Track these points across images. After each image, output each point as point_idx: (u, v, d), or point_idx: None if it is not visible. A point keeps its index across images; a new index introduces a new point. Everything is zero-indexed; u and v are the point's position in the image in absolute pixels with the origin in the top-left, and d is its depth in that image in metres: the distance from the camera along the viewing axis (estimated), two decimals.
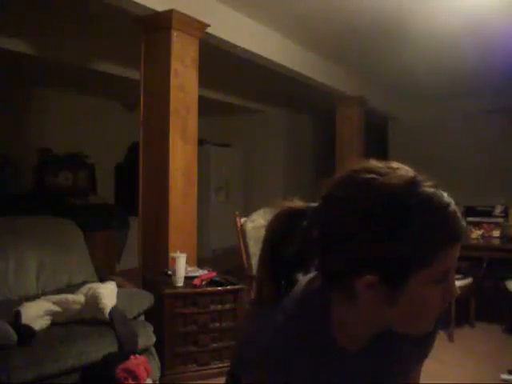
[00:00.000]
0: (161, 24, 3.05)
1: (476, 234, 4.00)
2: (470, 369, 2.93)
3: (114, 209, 5.77)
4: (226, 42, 3.58)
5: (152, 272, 3.02)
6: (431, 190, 0.75)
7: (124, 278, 2.97)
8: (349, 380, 0.81)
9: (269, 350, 0.77)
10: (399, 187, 0.71)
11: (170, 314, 2.66)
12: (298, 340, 0.78)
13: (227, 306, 2.80)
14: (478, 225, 4.14)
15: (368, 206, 0.69)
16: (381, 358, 0.83)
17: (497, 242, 3.90)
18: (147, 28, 3.12)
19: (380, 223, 0.68)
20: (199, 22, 3.17)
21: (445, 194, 0.75)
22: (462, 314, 3.60)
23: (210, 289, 2.77)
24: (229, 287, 2.80)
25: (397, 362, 0.86)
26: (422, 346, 0.90)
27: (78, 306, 2.38)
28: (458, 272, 3.53)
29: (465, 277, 3.62)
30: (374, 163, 0.75)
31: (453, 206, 0.73)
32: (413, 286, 0.69)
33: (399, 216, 0.68)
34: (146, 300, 2.63)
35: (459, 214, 0.73)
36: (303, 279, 0.83)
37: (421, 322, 0.76)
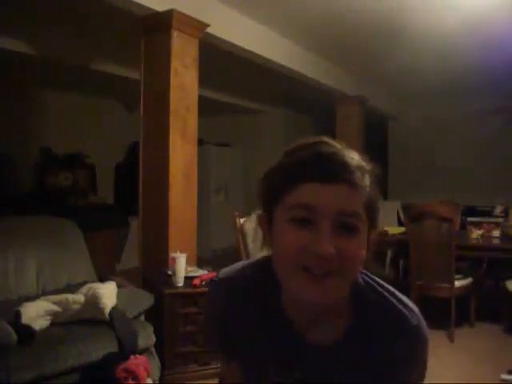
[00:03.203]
0: (161, 24, 3.05)
1: (476, 234, 4.00)
2: (469, 369, 2.93)
3: (113, 209, 5.77)
4: (226, 42, 3.58)
5: (152, 272, 3.02)
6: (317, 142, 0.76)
7: (124, 278, 2.97)
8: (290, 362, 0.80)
9: (209, 298, 0.87)
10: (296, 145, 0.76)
11: (170, 314, 2.66)
12: (239, 292, 0.83)
13: None
14: (477, 225, 4.14)
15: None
16: (342, 359, 0.79)
17: (497, 241, 3.90)
18: (147, 28, 3.12)
19: (266, 172, 0.76)
20: (199, 22, 3.17)
21: (327, 144, 0.75)
22: (462, 314, 3.60)
23: None
24: None
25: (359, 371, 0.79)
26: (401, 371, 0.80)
27: (77, 306, 2.38)
28: (457, 272, 3.54)
29: (465, 277, 3.63)
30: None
31: (320, 149, 0.72)
32: (275, 223, 0.72)
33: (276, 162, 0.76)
34: (145, 300, 2.63)
35: (325, 162, 0.70)
36: None
37: (279, 266, 0.72)
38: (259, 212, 0.78)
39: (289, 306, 0.79)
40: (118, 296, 2.52)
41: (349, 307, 0.79)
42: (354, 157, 0.74)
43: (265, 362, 0.83)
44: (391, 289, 0.82)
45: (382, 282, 0.83)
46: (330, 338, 0.78)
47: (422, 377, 0.83)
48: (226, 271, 0.89)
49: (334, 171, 0.69)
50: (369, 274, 0.82)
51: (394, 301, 0.80)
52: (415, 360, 0.80)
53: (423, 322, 0.80)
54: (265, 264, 0.81)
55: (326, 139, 0.76)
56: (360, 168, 0.72)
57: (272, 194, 0.73)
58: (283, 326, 0.79)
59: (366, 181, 0.72)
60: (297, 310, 0.79)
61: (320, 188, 0.68)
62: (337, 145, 0.75)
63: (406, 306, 0.80)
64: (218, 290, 0.87)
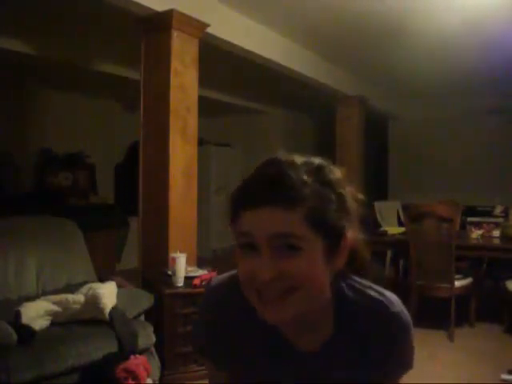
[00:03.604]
0: (161, 24, 3.05)
1: (476, 234, 4.00)
2: (469, 369, 2.93)
3: (113, 209, 5.77)
4: (226, 42, 3.58)
5: (152, 272, 3.02)
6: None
7: (124, 278, 2.97)
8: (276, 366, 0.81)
9: (201, 306, 0.89)
10: None
11: (170, 314, 2.66)
12: (221, 302, 0.85)
13: None
14: (478, 225, 4.14)
15: None
16: (325, 362, 0.80)
17: (497, 241, 3.89)
18: (147, 28, 3.12)
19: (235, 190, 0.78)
20: (199, 22, 3.17)
21: (274, 164, 0.73)
22: (462, 314, 3.60)
23: None
24: None
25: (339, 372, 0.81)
26: (380, 371, 0.82)
27: (77, 306, 2.38)
28: (458, 272, 3.53)
29: (465, 277, 3.63)
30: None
31: (258, 173, 0.73)
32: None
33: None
34: (146, 300, 2.63)
35: (258, 183, 0.71)
36: None
37: (243, 289, 0.74)
38: None
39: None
40: (118, 296, 2.52)
41: (331, 311, 0.80)
42: (293, 172, 0.71)
43: (254, 370, 0.83)
44: (368, 283, 0.84)
45: (357, 278, 0.84)
46: (317, 342, 0.80)
47: (411, 363, 0.86)
48: (218, 278, 0.90)
49: (266, 195, 0.69)
50: (344, 273, 0.81)
51: (373, 293, 0.82)
52: (402, 347, 0.83)
53: (404, 309, 0.83)
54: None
55: (275, 157, 0.75)
56: (299, 182, 0.70)
57: (230, 221, 0.76)
58: (270, 333, 0.80)
59: (307, 194, 0.69)
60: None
61: (254, 214, 0.69)
62: (284, 161, 0.73)
63: (384, 296, 0.82)
64: (209, 298, 0.88)
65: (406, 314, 0.83)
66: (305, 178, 0.70)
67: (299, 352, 0.80)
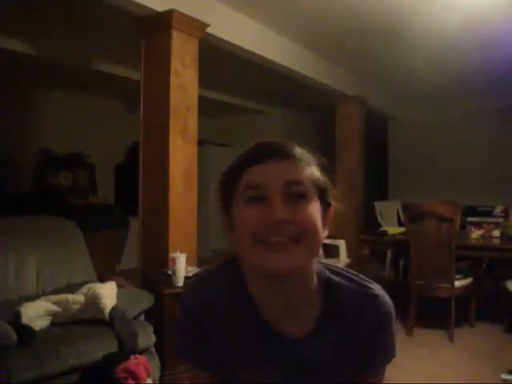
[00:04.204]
0: (161, 24, 3.05)
1: (476, 234, 4.00)
2: (469, 369, 2.93)
3: (113, 209, 5.77)
4: (226, 42, 3.58)
5: (152, 272, 3.01)
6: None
7: (124, 278, 2.97)
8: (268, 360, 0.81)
9: (182, 306, 0.88)
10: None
11: (170, 314, 2.65)
12: (212, 295, 0.84)
13: None
14: (478, 225, 4.14)
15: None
16: (315, 348, 0.81)
17: (497, 241, 3.89)
18: (147, 28, 3.12)
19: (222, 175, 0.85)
20: (199, 22, 3.17)
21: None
22: (462, 314, 3.60)
23: None
24: None
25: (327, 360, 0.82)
26: (366, 353, 0.83)
27: (77, 306, 2.38)
28: (458, 272, 3.54)
29: (465, 277, 3.63)
30: None
31: (257, 144, 0.81)
32: (235, 212, 0.78)
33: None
34: (145, 300, 2.63)
35: (263, 148, 0.79)
36: None
37: (240, 244, 0.76)
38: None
39: (259, 299, 0.81)
40: (118, 296, 2.52)
41: (317, 295, 0.82)
42: (290, 142, 0.81)
43: (241, 363, 0.83)
44: (347, 269, 0.88)
45: (334, 265, 0.88)
46: (304, 328, 0.81)
47: (394, 351, 0.86)
48: (199, 273, 0.93)
49: (274, 151, 0.77)
50: (323, 261, 0.86)
51: (357, 278, 0.85)
52: (387, 333, 0.84)
53: (385, 293, 0.86)
54: (233, 263, 0.85)
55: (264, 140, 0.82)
56: (297, 148, 0.79)
57: (228, 191, 0.80)
58: (258, 323, 0.81)
59: (310, 162, 0.79)
60: (268, 303, 0.80)
61: (264, 167, 0.75)
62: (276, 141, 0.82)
63: (367, 280, 0.85)
64: (194, 297, 0.87)
65: (390, 302, 0.86)
66: (302, 149, 0.80)
67: (287, 340, 0.80)
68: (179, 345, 0.89)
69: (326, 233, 0.79)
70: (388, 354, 0.86)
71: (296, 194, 0.74)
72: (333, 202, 0.81)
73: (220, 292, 0.83)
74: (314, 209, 0.75)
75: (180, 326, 0.89)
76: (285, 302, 0.79)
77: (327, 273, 0.84)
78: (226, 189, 0.81)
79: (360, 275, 0.87)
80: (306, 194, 0.75)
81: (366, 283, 0.85)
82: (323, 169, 0.81)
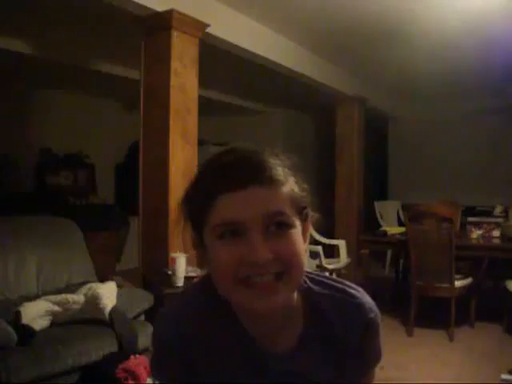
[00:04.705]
0: (161, 24, 3.05)
1: (476, 234, 4.00)
2: (469, 369, 2.93)
3: (113, 209, 5.77)
4: (226, 42, 3.58)
5: (152, 272, 3.01)
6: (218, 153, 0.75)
7: (124, 278, 2.97)
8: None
9: (162, 340, 0.80)
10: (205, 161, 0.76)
11: None
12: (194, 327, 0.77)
13: None
14: (477, 225, 4.14)
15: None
16: (304, 364, 0.78)
17: (497, 241, 3.89)
18: (147, 28, 3.12)
19: (187, 189, 0.75)
20: (199, 22, 3.17)
21: (229, 152, 0.73)
22: (462, 313, 3.60)
23: None
24: None
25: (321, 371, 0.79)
26: (359, 360, 0.81)
27: (77, 306, 2.38)
28: (458, 272, 3.53)
29: (465, 277, 3.63)
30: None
31: (225, 159, 0.71)
32: (207, 243, 0.71)
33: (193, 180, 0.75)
34: (145, 300, 2.63)
35: (232, 169, 0.68)
36: None
37: (221, 283, 0.70)
38: (193, 234, 0.75)
39: (244, 320, 0.77)
40: (118, 296, 2.52)
41: (299, 307, 0.78)
42: (263, 157, 0.70)
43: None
44: (326, 275, 0.84)
45: (315, 272, 0.84)
46: (289, 343, 0.77)
47: (381, 354, 0.85)
48: (169, 307, 0.85)
49: (243, 176, 0.67)
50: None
51: (339, 285, 0.81)
52: (373, 339, 0.81)
53: (371, 300, 0.82)
54: (206, 284, 0.78)
55: (233, 147, 0.74)
56: (272, 164, 0.70)
57: (195, 217, 0.71)
58: (244, 342, 0.77)
59: (283, 174, 0.69)
60: (253, 323, 0.77)
61: (237, 198, 0.66)
62: (246, 149, 0.72)
63: (350, 287, 0.82)
64: (168, 328, 0.79)
65: (375, 307, 0.82)
66: (276, 161, 0.71)
67: (272, 356, 0.77)
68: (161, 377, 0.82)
69: (305, 247, 0.73)
70: (376, 357, 0.84)
71: (277, 224, 0.67)
72: (309, 212, 0.74)
73: (199, 319, 0.77)
74: (297, 236, 0.69)
75: (161, 365, 0.81)
76: (267, 322, 0.76)
77: (307, 282, 0.80)
78: (193, 217, 0.72)
79: (343, 282, 0.83)
80: (288, 223, 0.68)
81: (349, 291, 0.81)
82: (296, 172, 0.73)
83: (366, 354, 0.81)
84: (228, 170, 0.68)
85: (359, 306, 0.79)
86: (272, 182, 0.68)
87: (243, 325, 0.77)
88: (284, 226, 0.68)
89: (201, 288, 0.81)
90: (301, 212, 0.71)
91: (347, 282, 0.83)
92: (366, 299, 0.81)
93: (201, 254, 0.74)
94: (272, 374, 0.77)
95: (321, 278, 0.82)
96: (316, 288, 0.79)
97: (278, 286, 0.67)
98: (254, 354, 0.77)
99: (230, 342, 0.77)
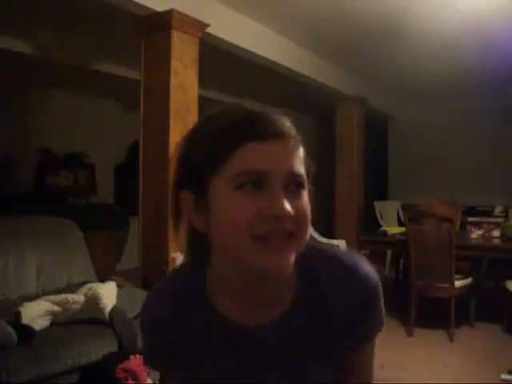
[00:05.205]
0: (161, 24, 3.05)
1: (476, 234, 4.00)
2: (469, 369, 2.93)
3: (114, 209, 5.77)
4: (226, 42, 3.58)
5: (152, 272, 3.01)
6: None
7: (124, 278, 2.97)
8: (234, 358, 0.75)
9: (142, 320, 0.82)
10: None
11: None
12: (168, 305, 0.78)
13: None
14: (477, 225, 4.14)
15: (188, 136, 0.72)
16: (291, 339, 0.73)
17: (497, 241, 3.89)
18: (147, 28, 3.12)
19: (187, 142, 0.71)
20: (199, 22, 3.17)
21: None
22: (462, 313, 3.60)
23: None
24: None
25: (313, 343, 0.74)
26: (357, 326, 0.75)
27: (77, 306, 2.38)
28: (458, 272, 3.53)
29: (465, 277, 3.62)
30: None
31: (249, 110, 0.68)
32: (213, 196, 0.66)
33: (193, 130, 0.72)
34: None
35: (262, 120, 0.66)
36: None
37: (232, 239, 0.65)
38: (184, 191, 0.69)
39: (222, 297, 0.74)
40: (118, 296, 2.52)
41: (292, 275, 0.74)
42: (280, 116, 0.70)
43: (211, 366, 0.77)
44: (325, 242, 0.82)
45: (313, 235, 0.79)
46: (275, 314, 0.74)
47: (382, 323, 0.78)
48: (157, 285, 0.84)
49: (274, 127, 0.65)
50: None
51: (336, 252, 0.78)
52: (371, 305, 0.76)
53: (370, 268, 0.77)
54: (187, 265, 0.79)
55: (235, 106, 0.72)
56: (291, 124, 0.70)
57: (203, 166, 0.66)
58: (224, 323, 0.74)
59: (299, 138, 0.69)
60: (238, 297, 0.73)
61: (265, 148, 0.63)
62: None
63: (348, 254, 0.78)
64: (149, 303, 0.82)
65: (375, 275, 0.76)
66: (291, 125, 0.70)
67: (255, 332, 0.73)
68: (144, 354, 0.85)
69: None
70: (375, 327, 0.77)
71: (295, 184, 0.66)
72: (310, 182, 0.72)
73: (178, 299, 0.77)
74: (308, 200, 0.68)
75: (143, 339, 0.84)
76: (261, 292, 0.72)
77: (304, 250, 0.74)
78: (195, 172, 0.67)
79: (339, 249, 0.80)
80: (304, 185, 0.67)
81: (345, 258, 0.76)
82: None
83: (363, 324, 0.75)
84: (252, 120, 0.65)
85: (356, 273, 0.74)
86: (295, 142, 0.67)
87: (219, 304, 0.75)
88: (301, 187, 0.67)
89: (182, 268, 0.82)
90: (307, 177, 0.70)
91: (345, 250, 0.80)
92: (365, 267, 0.76)
93: (193, 213, 0.69)
94: (254, 350, 0.74)
95: (317, 244, 0.78)
96: (311, 253, 0.74)
97: (291, 245, 0.65)
98: (229, 330, 0.74)
99: (207, 325, 0.75)
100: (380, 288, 0.77)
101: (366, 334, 0.77)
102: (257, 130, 0.64)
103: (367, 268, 0.76)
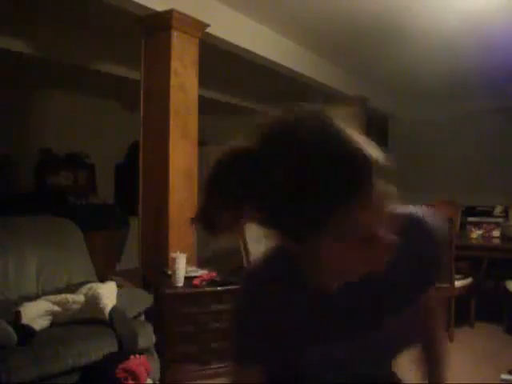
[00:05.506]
0: (161, 24, 3.05)
1: (476, 234, 4.00)
2: (469, 369, 2.93)
3: (113, 209, 5.77)
4: (226, 42, 3.58)
5: (152, 272, 3.02)
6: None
7: (124, 278, 2.97)
8: (331, 322, 0.82)
9: (237, 305, 0.87)
10: None
11: (170, 314, 2.66)
12: (262, 287, 0.83)
13: (227, 305, 2.80)
14: (477, 225, 4.14)
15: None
16: (368, 294, 0.82)
17: (497, 242, 3.89)
18: (147, 28, 3.12)
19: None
20: (199, 22, 3.17)
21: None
22: (462, 313, 3.60)
23: (209, 289, 2.77)
24: (229, 287, 2.80)
25: (389, 292, 0.83)
26: (421, 270, 0.87)
27: (77, 306, 2.38)
28: (458, 272, 3.53)
29: (465, 277, 3.62)
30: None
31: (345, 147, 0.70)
32: (324, 251, 0.72)
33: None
34: (146, 300, 2.63)
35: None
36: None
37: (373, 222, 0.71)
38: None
39: (318, 276, 0.79)
40: (118, 296, 2.52)
41: None
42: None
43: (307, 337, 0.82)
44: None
45: None
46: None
47: (444, 269, 0.93)
48: (248, 270, 0.93)
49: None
50: None
51: (418, 212, 0.88)
52: (441, 253, 0.91)
53: (443, 224, 0.90)
54: (279, 250, 0.84)
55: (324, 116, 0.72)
56: None
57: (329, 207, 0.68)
58: (314, 295, 0.80)
59: None
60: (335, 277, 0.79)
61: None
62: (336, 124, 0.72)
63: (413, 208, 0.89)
64: (249, 288, 0.86)
65: (445, 231, 0.92)
66: None
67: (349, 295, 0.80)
68: (242, 349, 0.86)
69: None
70: (440, 272, 0.95)
71: None
72: None
73: (272, 285, 0.82)
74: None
75: (241, 333, 0.86)
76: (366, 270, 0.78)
77: None
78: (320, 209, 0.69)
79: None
80: None
81: (426, 218, 0.87)
82: None
83: (432, 269, 0.90)
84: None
85: (432, 230, 0.86)
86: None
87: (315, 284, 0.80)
88: None
89: (276, 252, 0.86)
90: None
91: (426, 212, 0.88)
92: (440, 226, 0.88)
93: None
94: (326, 312, 0.81)
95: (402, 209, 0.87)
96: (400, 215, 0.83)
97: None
98: (329, 312, 0.82)
99: (305, 298, 0.81)
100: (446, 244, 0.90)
101: (434, 278, 0.94)
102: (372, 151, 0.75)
103: (442, 227, 0.89)
